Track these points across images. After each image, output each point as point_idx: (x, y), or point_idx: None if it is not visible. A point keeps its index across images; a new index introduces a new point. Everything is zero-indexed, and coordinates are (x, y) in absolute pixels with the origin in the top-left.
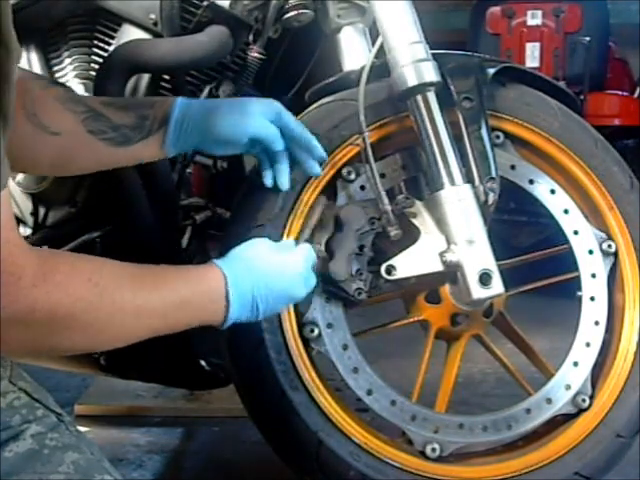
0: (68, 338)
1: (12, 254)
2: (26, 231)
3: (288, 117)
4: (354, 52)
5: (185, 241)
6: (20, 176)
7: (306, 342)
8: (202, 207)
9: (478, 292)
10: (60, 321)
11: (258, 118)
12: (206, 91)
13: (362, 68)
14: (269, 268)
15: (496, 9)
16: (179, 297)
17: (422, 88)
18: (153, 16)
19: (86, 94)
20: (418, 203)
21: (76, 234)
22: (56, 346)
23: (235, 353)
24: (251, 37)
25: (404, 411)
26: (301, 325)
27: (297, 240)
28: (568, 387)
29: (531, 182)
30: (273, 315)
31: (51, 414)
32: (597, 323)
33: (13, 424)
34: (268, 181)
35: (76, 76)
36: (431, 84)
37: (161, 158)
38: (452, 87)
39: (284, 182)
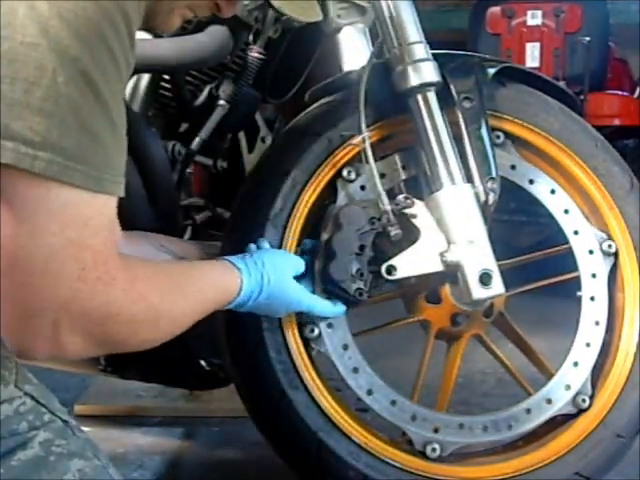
0: (134, 337)
1: (109, 258)
2: None
3: None
4: (354, 52)
5: None
6: None
7: (306, 342)
8: (202, 207)
9: (478, 292)
10: (134, 326)
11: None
12: (206, 91)
13: (362, 68)
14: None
15: (496, 9)
16: (208, 299)
17: (422, 88)
18: None
19: None
20: (418, 203)
21: None
22: (120, 345)
23: (235, 353)
24: (251, 37)
25: (404, 411)
26: (301, 325)
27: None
28: (568, 387)
29: (531, 182)
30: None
31: (57, 419)
32: (597, 323)
33: (20, 431)
34: None
35: None
36: (431, 84)
37: None
38: (452, 87)
39: None
